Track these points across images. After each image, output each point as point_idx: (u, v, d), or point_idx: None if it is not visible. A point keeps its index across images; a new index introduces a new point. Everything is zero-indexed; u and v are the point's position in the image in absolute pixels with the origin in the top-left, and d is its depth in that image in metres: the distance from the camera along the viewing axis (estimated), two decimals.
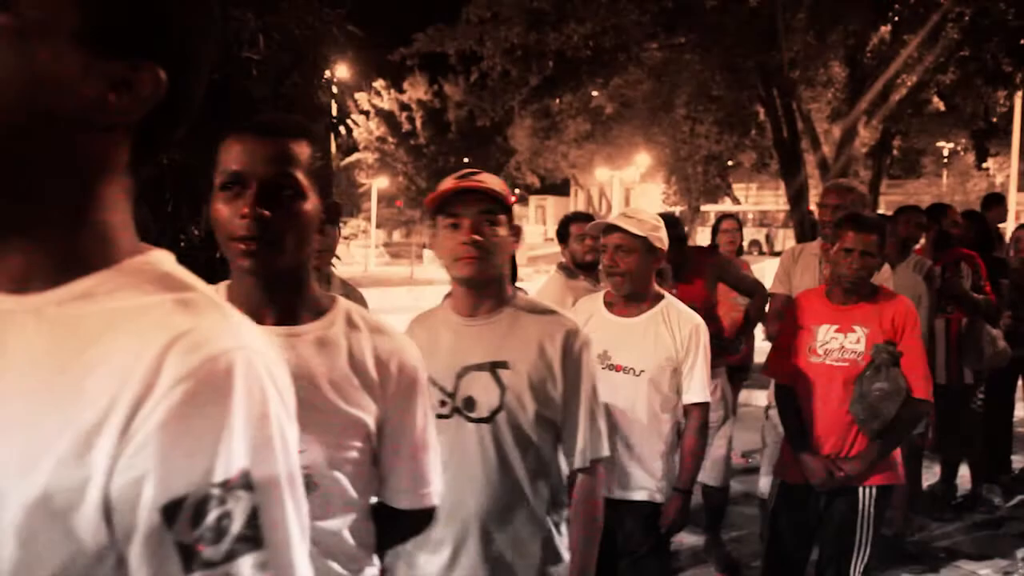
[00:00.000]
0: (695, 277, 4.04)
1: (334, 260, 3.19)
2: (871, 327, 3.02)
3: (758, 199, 38.37)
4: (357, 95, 32.56)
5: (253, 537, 0.70)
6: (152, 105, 0.75)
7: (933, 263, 4.68)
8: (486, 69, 12.36)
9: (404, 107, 38.98)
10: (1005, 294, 5.11)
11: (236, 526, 0.69)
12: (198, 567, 0.68)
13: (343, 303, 1.45)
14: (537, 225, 42.25)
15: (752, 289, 4.44)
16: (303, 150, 1.34)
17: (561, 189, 42.35)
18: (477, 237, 1.88)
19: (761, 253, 30.21)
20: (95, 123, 0.73)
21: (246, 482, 0.69)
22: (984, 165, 27.78)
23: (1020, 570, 4.24)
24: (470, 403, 1.97)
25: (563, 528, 2.05)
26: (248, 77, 2.71)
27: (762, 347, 4.06)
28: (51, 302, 0.73)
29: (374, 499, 1.48)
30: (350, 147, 32.28)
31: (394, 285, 19.87)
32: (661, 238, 2.85)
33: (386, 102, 38.74)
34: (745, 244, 6.01)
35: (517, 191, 42.46)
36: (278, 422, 0.73)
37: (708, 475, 4.01)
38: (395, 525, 1.51)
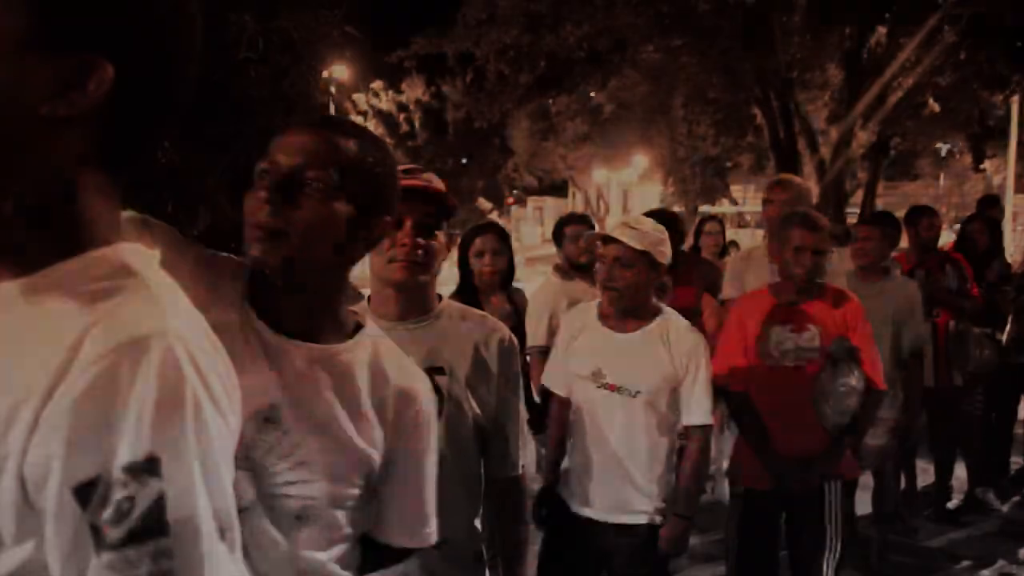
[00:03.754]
0: (687, 283, 4.01)
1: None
2: (824, 324, 2.97)
3: (756, 201, 38.38)
4: (355, 96, 32.55)
5: (155, 524, 0.69)
6: (100, 97, 0.74)
7: (917, 266, 4.72)
8: (481, 68, 12.40)
9: (402, 108, 38.95)
10: (1010, 297, 5.13)
11: (138, 511, 0.69)
12: (104, 549, 0.69)
13: (371, 329, 1.35)
14: (535, 226, 42.14)
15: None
16: (346, 147, 1.21)
17: (559, 190, 42.25)
18: (419, 239, 1.76)
19: None
20: (46, 118, 0.73)
21: (152, 468, 0.69)
22: (981, 167, 27.82)
23: (1017, 573, 4.25)
24: None
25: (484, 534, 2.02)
26: (246, 79, 2.71)
27: None
28: (16, 290, 0.75)
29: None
30: None
31: None
32: (664, 252, 2.65)
33: (384, 103, 38.72)
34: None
35: (515, 192, 42.49)
36: (195, 411, 0.72)
37: None
38: (381, 556, 1.42)
